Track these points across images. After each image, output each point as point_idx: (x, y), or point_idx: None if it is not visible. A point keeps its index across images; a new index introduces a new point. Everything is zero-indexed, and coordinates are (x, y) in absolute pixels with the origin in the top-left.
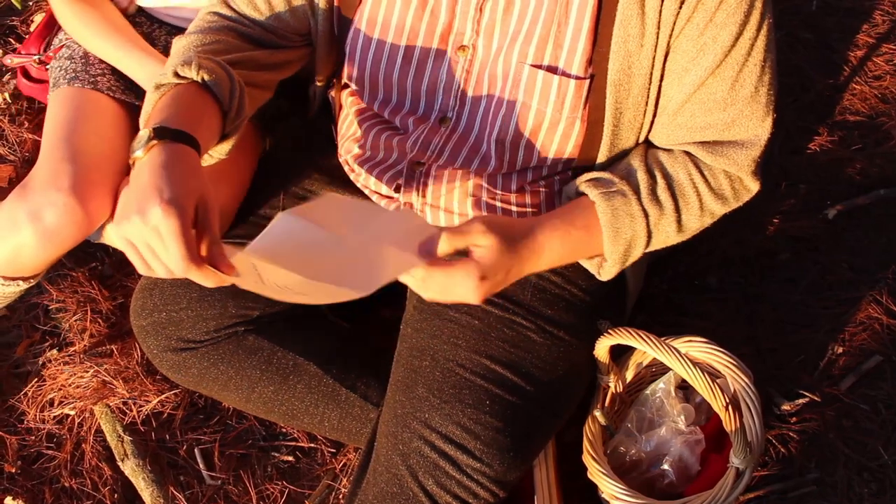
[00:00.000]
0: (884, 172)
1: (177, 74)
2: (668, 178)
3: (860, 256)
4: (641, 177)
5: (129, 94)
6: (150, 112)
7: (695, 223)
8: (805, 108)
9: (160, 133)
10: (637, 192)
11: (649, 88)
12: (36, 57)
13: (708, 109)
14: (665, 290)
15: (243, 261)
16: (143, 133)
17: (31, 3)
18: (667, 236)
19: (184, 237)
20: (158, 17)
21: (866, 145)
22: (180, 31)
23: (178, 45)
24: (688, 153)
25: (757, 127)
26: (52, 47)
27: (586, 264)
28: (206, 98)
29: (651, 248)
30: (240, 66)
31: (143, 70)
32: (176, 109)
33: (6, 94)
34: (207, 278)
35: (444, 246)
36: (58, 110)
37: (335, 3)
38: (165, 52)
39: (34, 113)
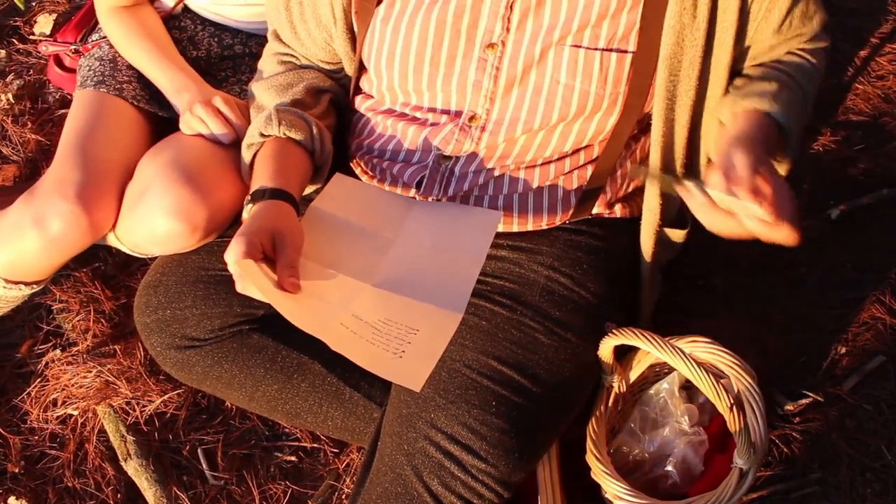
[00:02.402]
0: (887, 172)
1: (262, 134)
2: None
3: (863, 256)
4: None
5: (152, 103)
6: (249, 169)
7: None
8: None
9: (256, 197)
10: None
11: (701, 63)
12: (73, 47)
13: (801, 23)
14: (669, 290)
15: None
16: (246, 199)
17: (33, 4)
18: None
19: (239, 257)
20: (205, 17)
21: (869, 145)
22: (225, 30)
23: (258, 96)
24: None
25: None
26: (90, 41)
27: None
28: (292, 147)
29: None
30: (323, 98)
31: (170, 83)
32: (270, 167)
33: (10, 95)
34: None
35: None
36: (79, 113)
37: (353, 18)
38: (208, 55)
39: (37, 113)
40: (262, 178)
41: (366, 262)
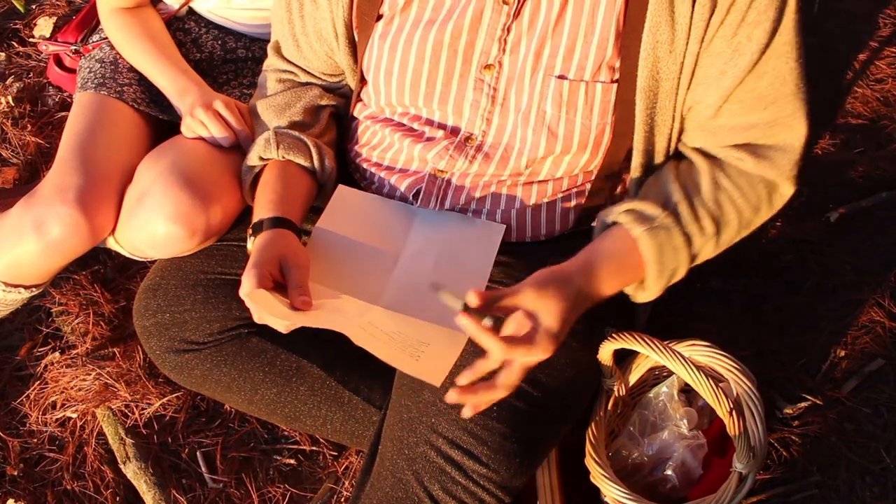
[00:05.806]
0: (886, 175)
1: (261, 158)
2: (706, 202)
3: (862, 259)
4: (681, 203)
5: (153, 106)
6: (250, 190)
7: (732, 237)
8: None
9: (256, 229)
10: (679, 221)
11: (676, 94)
12: (73, 47)
13: (749, 108)
14: (668, 294)
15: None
16: (248, 231)
17: (34, 6)
18: (705, 256)
19: (252, 289)
20: (209, 20)
21: (868, 148)
22: (229, 34)
23: (259, 115)
24: (724, 162)
25: (800, 126)
26: (90, 42)
27: (625, 289)
28: (293, 168)
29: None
30: (323, 114)
31: (172, 85)
32: (271, 194)
33: (9, 98)
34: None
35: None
36: (79, 115)
37: (354, 33)
38: (210, 57)
39: (37, 116)
40: (262, 209)
41: (373, 284)
